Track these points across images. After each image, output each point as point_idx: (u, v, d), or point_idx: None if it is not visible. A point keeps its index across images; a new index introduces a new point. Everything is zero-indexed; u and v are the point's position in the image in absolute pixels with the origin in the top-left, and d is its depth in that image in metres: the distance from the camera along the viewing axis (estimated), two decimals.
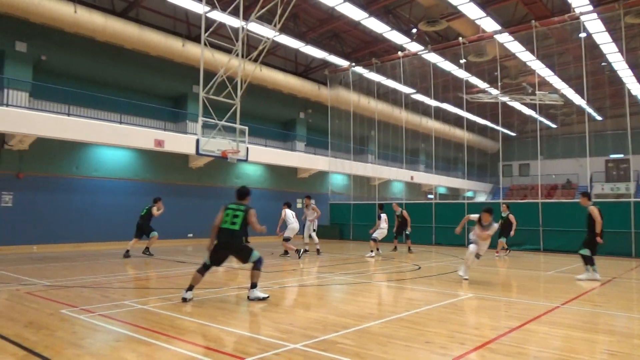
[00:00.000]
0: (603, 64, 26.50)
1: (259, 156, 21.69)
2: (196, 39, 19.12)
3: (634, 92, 31.28)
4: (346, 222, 21.92)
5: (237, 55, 14.62)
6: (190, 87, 20.80)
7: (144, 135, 17.82)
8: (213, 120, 14.28)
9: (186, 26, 20.45)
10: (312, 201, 15.47)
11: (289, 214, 13.89)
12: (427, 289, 8.31)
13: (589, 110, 34.86)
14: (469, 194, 41.37)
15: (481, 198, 41.25)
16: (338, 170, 26.38)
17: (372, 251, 14.35)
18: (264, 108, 24.78)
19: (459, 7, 18.98)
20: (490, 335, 5.02)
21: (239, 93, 14.78)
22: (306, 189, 25.13)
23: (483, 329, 5.32)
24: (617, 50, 23.72)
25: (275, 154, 23.40)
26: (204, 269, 6.89)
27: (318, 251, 14.72)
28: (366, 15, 19.52)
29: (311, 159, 25.85)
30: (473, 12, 19.43)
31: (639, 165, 35.89)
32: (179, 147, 18.69)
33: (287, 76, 23.97)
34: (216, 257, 6.93)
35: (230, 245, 6.91)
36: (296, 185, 25.81)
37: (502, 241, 15.00)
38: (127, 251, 13.23)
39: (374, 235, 14.71)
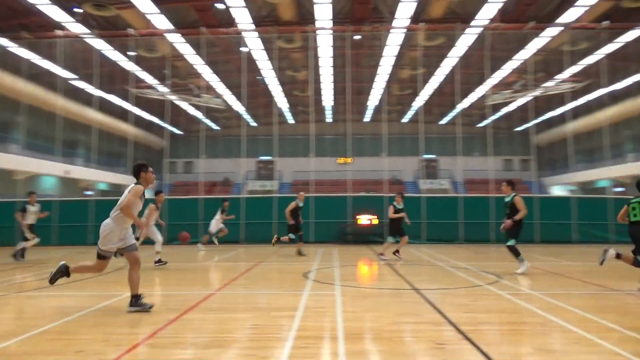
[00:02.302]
0: (258, 77, 30.54)
1: None
2: None
3: (279, 105, 37.26)
4: None
5: None
6: None
7: None
8: None
9: None
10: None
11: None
12: (79, 294, 7.56)
13: (246, 116, 39.58)
14: None
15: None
16: None
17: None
18: None
19: None
20: (149, 331, 4.96)
21: None
22: None
23: (140, 326, 5.21)
24: (272, 67, 27.80)
25: None
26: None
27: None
28: None
29: None
30: (146, 6, 19.09)
31: (283, 166, 43.04)
32: None
33: None
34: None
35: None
36: None
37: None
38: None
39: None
